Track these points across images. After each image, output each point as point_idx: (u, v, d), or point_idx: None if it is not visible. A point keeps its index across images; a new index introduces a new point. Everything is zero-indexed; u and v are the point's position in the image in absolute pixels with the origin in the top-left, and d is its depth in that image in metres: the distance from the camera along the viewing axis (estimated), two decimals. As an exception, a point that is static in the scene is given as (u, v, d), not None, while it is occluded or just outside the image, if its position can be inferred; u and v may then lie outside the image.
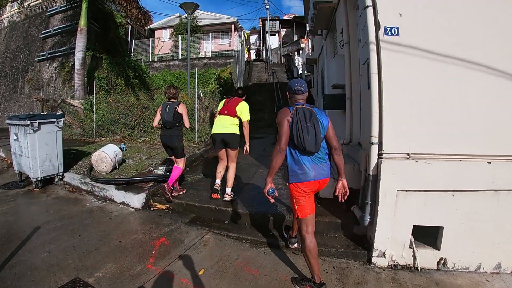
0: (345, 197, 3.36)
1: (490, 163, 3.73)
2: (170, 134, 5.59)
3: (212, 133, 5.54)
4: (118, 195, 5.74)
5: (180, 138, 5.71)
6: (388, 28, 3.77)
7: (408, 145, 3.75)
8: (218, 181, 5.56)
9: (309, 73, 20.05)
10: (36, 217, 4.94)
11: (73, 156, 7.89)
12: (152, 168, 7.08)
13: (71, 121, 11.95)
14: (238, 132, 5.47)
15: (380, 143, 3.80)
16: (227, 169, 5.56)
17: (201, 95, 11.60)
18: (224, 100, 5.76)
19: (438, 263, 3.92)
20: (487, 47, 3.76)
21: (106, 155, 6.68)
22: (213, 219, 5.07)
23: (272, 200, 3.36)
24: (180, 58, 22.93)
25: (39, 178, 6.24)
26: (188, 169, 7.61)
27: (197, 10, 13.03)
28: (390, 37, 3.76)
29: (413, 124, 3.78)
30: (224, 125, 5.41)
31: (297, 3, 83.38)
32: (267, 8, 38.30)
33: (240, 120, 5.52)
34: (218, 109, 5.71)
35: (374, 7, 3.87)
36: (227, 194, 5.29)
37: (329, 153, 3.37)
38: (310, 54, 18.21)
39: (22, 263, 3.62)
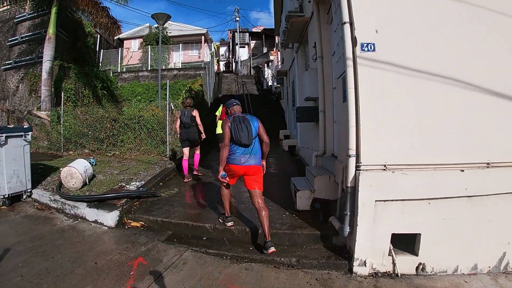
0: (264, 171, 4.76)
1: (463, 171, 3.92)
2: (190, 131, 7.86)
3: (217, 133, 7.33)
4: (90, 213, 5.52)
5: (196, 133, 7.93)
6: (365, 44, 3.91)
7: (384, 156, 3.88)
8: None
9: (279, 85, 20.32)
10: (5, 238, 4.67)
11: (41, 171, 7.57)
12: (124, 184, 6.91)
13: (37, 134, 11.47)
14: None
15: (358, 156, 3.91)
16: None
17: (173, 108, 11.48)
18: (221, 107, 7.42)
19: (417, 268, 4.04)
20: (459, 63, 3.99)
21: (76, 170, 6.45)
22: (190, 235, 4.98)
23: (225, 182, 4.65)
24: (149, 69, 22.54)
25: (7, 196, 5.92)
26: (161, 184, 7.49)
27: (168, 21, 12.99)
28: (367, 53, 3.90)
29: (389, 136, 3.92)
30: None
31: (264, 15, 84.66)
32: (237, 20, 38.73)
33: None
34: (218, 114, 7.69)
35: (351, 24, 3.99)
36: None
37: (261, 145, 4.66)
38: (280, 67, 18.51)
39: (-6, 289, 3.41)
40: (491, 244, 4.07)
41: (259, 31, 41.32)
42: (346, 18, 4.02)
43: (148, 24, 27.33)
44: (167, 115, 10.40)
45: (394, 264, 4.01)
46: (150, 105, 12.81)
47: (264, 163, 4.77)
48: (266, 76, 30.13)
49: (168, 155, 10.12)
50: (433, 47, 4.00)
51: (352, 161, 3.91)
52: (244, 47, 40.69)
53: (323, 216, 4.94)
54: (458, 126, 4.00)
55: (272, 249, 4.16)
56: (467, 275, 4.05)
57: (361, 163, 3.86)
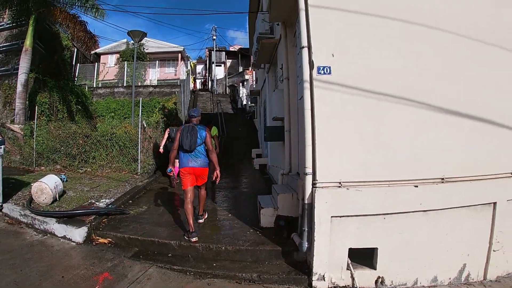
0: (217, 180, 5.41)
1: (417, 186, 4.14)
2: None
3: None
4: (59, 229, 5.50)
5: None
6: (321, 67, 4.12)
7: (339, 174, 4.06)
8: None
9: (253, 104, 20.58)
10: (-26, 251, 4.67)
11: (12, 186, 7.45)
12: (93, 201, 6.87)
13: (10, 148, 11.17)
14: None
15: (314, 174, 4.08)
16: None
17: (145, 125, 11.46)
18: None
19: (376, 281, 4.18)
20: (410, 83, 4.27)
21: (46, 186, 6.41)
22: (156, 252, 5.01)
23: (171, 175, 6.44)
24: (125, 85, 22.29)
25: (-22, 209, 5.84)
26: (130, 201, 7.48)
27: (144, 37, 13.10)
28: (323, 76, 4.11)
29: (344, 155, 4.11)
30: None
31: (241, 34, 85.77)
32: (214, 39, 39.12)
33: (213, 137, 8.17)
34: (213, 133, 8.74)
35: (309, 48, 4.21)
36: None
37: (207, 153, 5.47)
38: (254, 86, 18.80)
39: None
40: (450, 256, 4.28)
41: (235, 50, 41.85)
42: (304, 42, 4.24)
43: (125, 40, 26.95)
44: (139, 133, 10.38)
45: (353, 278, 4.13)
46: (124, 122, 12.72)
47: (217, 172, 5.38)
48: (241, 95, 30.44)
49: (139, 173, 10.09)
50: (387, 70, 4.26)
51: (308, 179, 4.07)
52: (220, 65, 41.05)
53: (287, 233, 5.05)
54: (412, 144, 4.24)
55: (201, 220, 5.87)
56: (427, 287, 4.22)
57: (317, 180, 4.03)
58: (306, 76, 4.14)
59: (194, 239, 4.99)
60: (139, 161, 10.28)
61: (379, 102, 4.19)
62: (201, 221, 5.82)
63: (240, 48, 41.02)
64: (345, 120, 4.15)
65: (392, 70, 4.27)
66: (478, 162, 4.38)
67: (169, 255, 4.92)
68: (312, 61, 4.13)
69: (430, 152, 4.26)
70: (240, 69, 38.24)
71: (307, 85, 4.11)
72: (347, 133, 4.14)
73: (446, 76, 4.34)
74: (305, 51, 4.22)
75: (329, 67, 4.13)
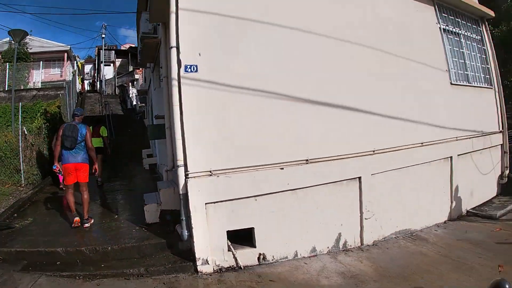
0: (96, 173, 6.41)
1: (282, 169, 4.69)
2: None
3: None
4: None
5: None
6: (188, 66, 4.41)
7: (210, 164, 4.41)
8: None
9: (143, 104, 20.16)
10: None
11: None
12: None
13: None
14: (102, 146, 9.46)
15: (186, 165, 4.36)
16: None
17: (26, 132, 10.58)
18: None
19: (259, 258, 4.62)
20: (272, 78, 4.84)
21: None
22: (45, 262, 4.85)
23: (56, 170, 6.61)
24: (6, 89, 19.49)
25: None
26: (15, 215, 6.96)
27: (28, 36, 12.00)
28: (190, 74, 4.40)
29: (213, 145, 4.47)
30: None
31: (133, 33, 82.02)
32: (103, 37, 37.02)
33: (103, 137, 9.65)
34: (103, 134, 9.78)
35: (177, 48, 4.45)
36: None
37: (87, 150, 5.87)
38: (144, 85, 18.40)
39: None
40: (324, 227, 4.92)
41: (126, 49, 40.15)
42: (173, 43, 4.47)
43: (7, 39, 23.79)
44: (20, 141, 9.58)
45: (235, 258, 4.51)
46: (6, 130, 11.50)
47: (95, 166, 6.10)
48: (131, 95, 29.44)
49: (23, 184, 9.31)
50: (250, 66, 4.76)
51: (181, 171, 4.35)
52: (110, 65, 39.07)
53: (173, 226, 5.24)
54: (277, 131, 4.79)
55: (87, 224, 5.75)
56: (308, 257, 4.78)
57: (189, 171, 4.32)
58: (174, 74, 4.39)
59: (76, 218, 5.68)
60: (22, 171, 9.48)
61: (244, 96, 4.65)
62: (87, 225, 5.71)
63: (130, 46, 39.30)
64: (211, 114, 4.50)
65: (254, 66, 4.76)
66: (341, 143, 5.14)
67: (58, 263, 4.80)
68: (180, 60, 4.38)
69: (295, 138, 4.87)
70: (130, 68, 36.76)
71: (175, 83, 4.37)
72: (214, 125, 4.50)
73: (305, 69, 5.03)
74: (173, 51, 4.45)
75: (196, 66, 4.44)
